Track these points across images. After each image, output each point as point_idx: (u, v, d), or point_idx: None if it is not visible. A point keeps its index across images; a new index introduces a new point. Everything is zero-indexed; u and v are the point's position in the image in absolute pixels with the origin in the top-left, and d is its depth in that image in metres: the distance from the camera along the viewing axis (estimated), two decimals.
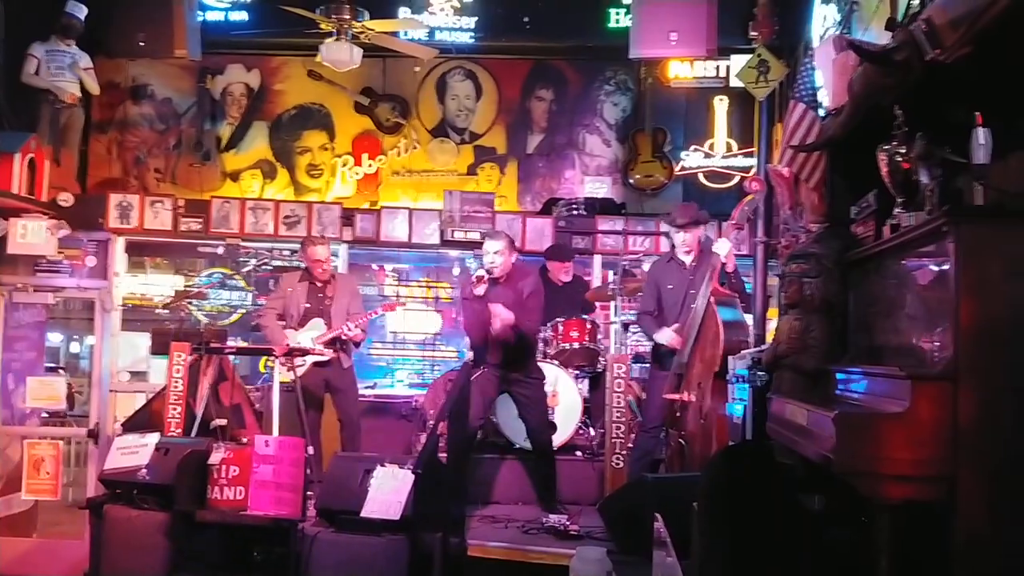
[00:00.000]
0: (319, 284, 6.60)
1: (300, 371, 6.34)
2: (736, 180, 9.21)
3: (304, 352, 6.29)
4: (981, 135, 2.63)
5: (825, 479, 3.27)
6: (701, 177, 9.32)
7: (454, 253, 8.91)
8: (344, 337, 6.41)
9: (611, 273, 8.18)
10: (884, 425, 2.57)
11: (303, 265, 6.84)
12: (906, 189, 3.26)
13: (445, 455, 5.26)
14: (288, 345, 6.20)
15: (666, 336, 5.91)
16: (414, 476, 4.67)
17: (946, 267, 2.76)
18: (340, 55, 7.18)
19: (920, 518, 2.64)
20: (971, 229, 2.58)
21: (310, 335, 6.41)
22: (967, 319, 2.56)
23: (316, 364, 6.40)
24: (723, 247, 5.80)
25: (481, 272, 5.79)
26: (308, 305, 6.53)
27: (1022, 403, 2.59)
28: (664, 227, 7.16)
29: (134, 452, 5.61)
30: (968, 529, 2.58)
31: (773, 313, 7.73)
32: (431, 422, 7.32)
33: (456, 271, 9.30)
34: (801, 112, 4.00)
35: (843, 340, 3.98)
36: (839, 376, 3.56)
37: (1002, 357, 2.59)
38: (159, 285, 9.20)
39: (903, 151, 3.25)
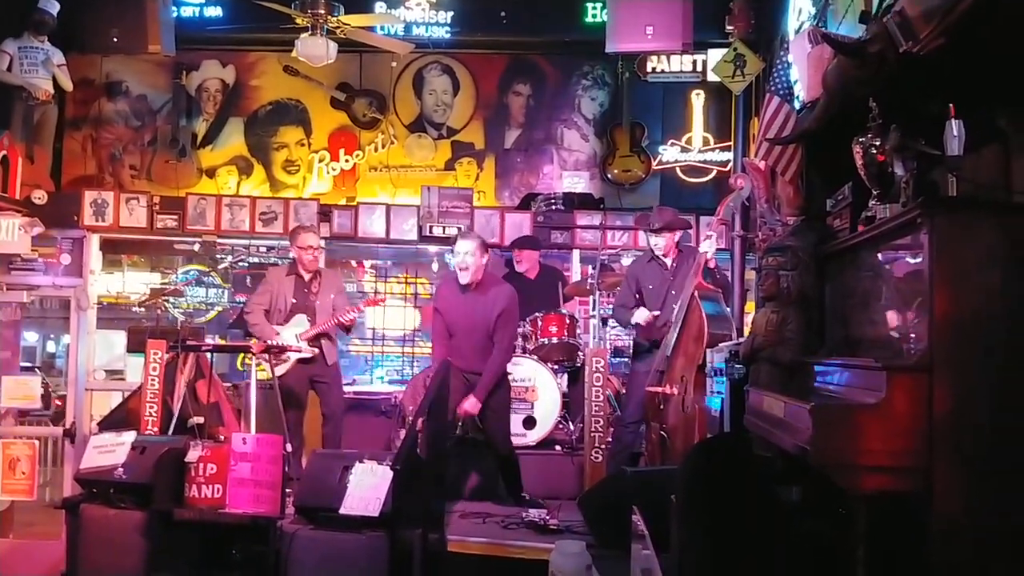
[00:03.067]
0: (305, 279, 6.56)
1: (284, 368, 6.32)
2: (713, 174, 9.24)
3: (282, 349, 6.26)
4: (954, 127, 2.65)
5: (802, 471, 3.29)
6: (679, 171, 9.35)
7: (433, 249, 8.89)
8: (339, 326, 6.39)
9: (590, 268, 8.20)
10: (860, 416, 2.58)
11: (292, 256, 6.78)
12: (881, 181, 3.28)
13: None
14: (266, 343, 6.17)
15: (641, 315, 5.92)
16: (393, 472, 4.65)
17: (920, 259, 2.78)
18: (316, 50, 7.14)
19: (896, 508, 2.65)
20: (945, 220, 2.59)
21: (294, 331, 6.38)
22: (941, 310, 2.58)
23: (300, 361, 6.37)
24: (708, 245, 5.82)
25: None
26: (295, 300, 6.51)
27: (995, 393, 2.61)
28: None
29: (110, 451, 5.56)
30: (943, 519, 2.59)
31: (751, 307, 7.78)
32: (411, 418, 7.32)
33: (435, 267, 9.28)
34: (777, 105, 4.01)
35: (820, 332, 4.00)
36: (816, 368, 3.58)
37: (976, 348, 2.61)
38: (134, 283, 9.15)
39: (878, 143, 3.26)
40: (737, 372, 4.47)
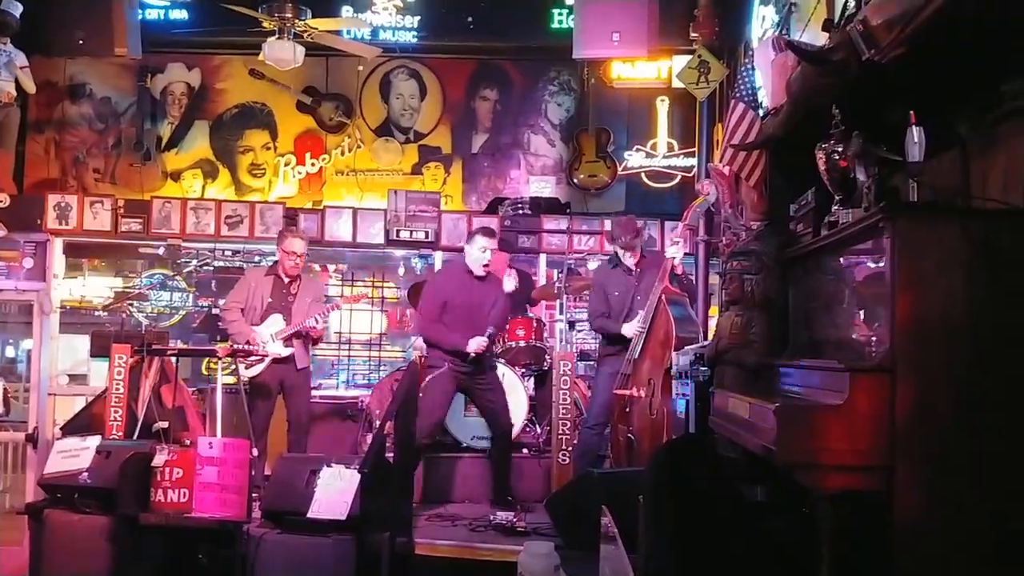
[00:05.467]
0: (285, 280, 6.54)
1: (257, 369, 6.29)
2: (678, 180, 9.32)
3: (248, 353, 6.23)
4: (915, 134, 2.71)
5: (767, 470, 3.35)
6: (644, 177, 9.41)
7: (398, 253, 8.89)
8: (305, 330, 6.37)
9: (556, 272, 8.25)
10: (823, 417, 2.63)
11: (274, 258, 6.75)
12: (843, 187, 3.33)
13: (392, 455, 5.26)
14: (232, 347, 6.14)
15: (632, 328, 5.95)
16: (360, 476, 4.66)
17: (882, 262, 2.84)
18: (283, 54, 7.12)
19: (859, 507, 2.71)
20: (906, 225, 2.65)
21: (269, 331, 6.35)
22: (903, 312, 2.63)
23: (273, 362, 6.34)
24: (675, 251, 5.89)
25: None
26: (271, 300, 6.47)
27: (956, 394, 2.67)
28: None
29: (75, 455, 5.52)
30: (906, 518, 2.65)
31: (715, 311, 7.87)
32: (378, 422, 7.32)
33: (402, 271, 9.25)
34: (742, 111, 4.07)
35: (784, 335, 4.07)
36: (781, 370, 3.63)
37: (937, 349, 2.66)
38: (97, 288, 9.06)
39: (840, 150, 3.32)
40: (702, 375, 4.53)
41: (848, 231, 3.02)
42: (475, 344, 5.93)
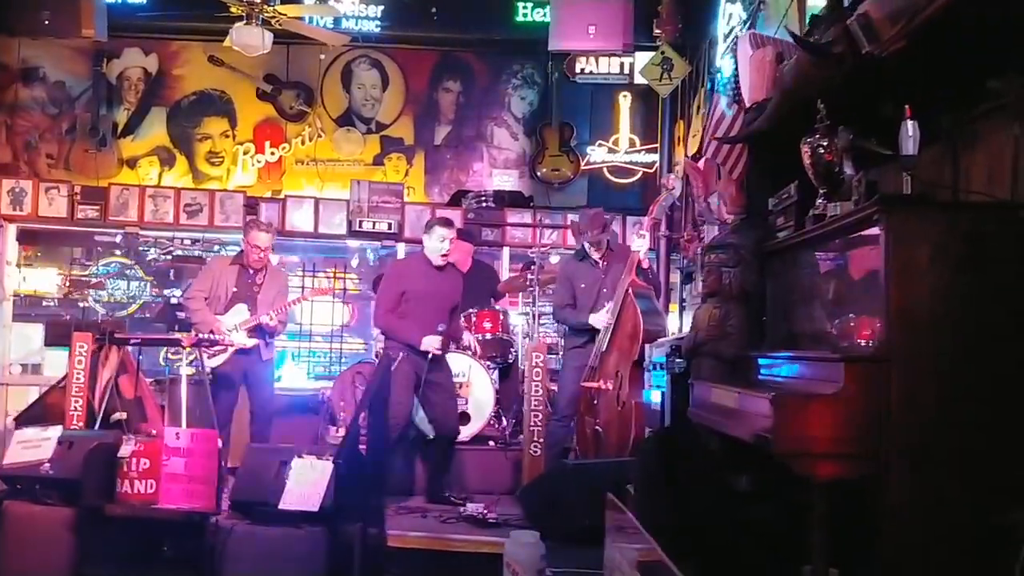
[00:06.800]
0: (251, 271, 6.45)
1: (221, 359, 6.20)
2: (639, 175, 9.37)
3: (213, 343, 6.14)
4: (910, 127, 2.75)
5: (748, 460, 3.40)
6: (606, 172, 9.46)
7: (354, 244, 8.83)
8: (264, 326, 6.29)
9: (523, 264, 8.27)
10: (819, 406, 2.67)
11: (239, 248, 6.66)
12: (828, 180, 3.38)
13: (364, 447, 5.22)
14: (197, 336, 6.06)
15: (600, 319, 5.96)
16: (334, 467, 4.62)
17: (872, 255, 2.89)
18: (251, 39, 7.01)
19: (850, 495, 2.75)
20: (901, 217, 2.70)
21: (234, 320, 6.26)
22: (897, 303, 2.68)
23: (237, 352, 6.25)
24: (640, 244, 5.91)
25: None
26: (236, 290, 6.37)
27: (940, 386, 2.72)
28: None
29: (36, 446, 5.38)
30: (891, 507, 2.70)
31: (674, 307, 7.95)
32: (342, 414, 7.27)
33: (355, 262, 9.13)
34: (724, 105, 4.10)
35: (760, 328, 4.12)
36: (762, 361, 3.68)
37: (924, 341, 2.72)
38: (47, 277, 8.86)
39: (825, 144, 3.37)
40: (677, 366, 4.57)
41: (838, 224, 3.06)
42: (428, 343, 5.79)
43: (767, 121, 3.57)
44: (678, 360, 4.50)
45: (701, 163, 4.81)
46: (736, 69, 4.12)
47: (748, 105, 4.11)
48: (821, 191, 3.43)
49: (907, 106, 2.71)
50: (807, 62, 3.08)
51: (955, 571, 2.69)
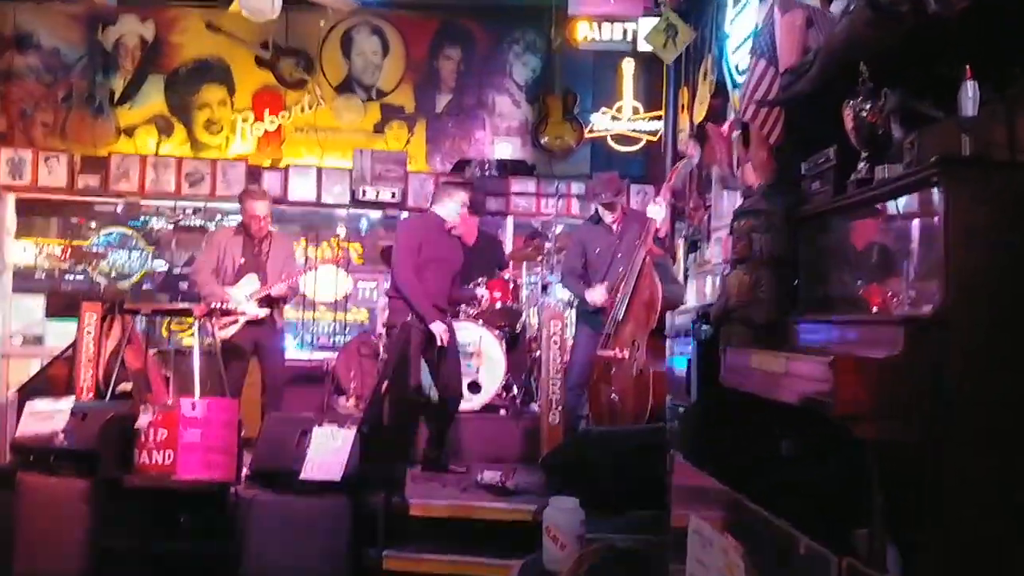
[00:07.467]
0: (256, 240, 6.37)
1: (232, 330, 6.14)
2: (643, 143, 9.30)
3: (225, 312, 6.08)
4: (970, 88, 2.71)
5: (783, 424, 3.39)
6: (609, 140, 9.36)
7: (342, 212, 8.71)
8: (274, 295, 6.23)
9: (526, 235, 8.24)
10: (878, 369, 2.64)
11: (241, 219, 6.56)
12: (872, 143, 3.34)
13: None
14: (209, 305, 5.99)
15: (598, 295, 5.94)
16: (359, 435, 4.59)
17: (926, 218, 2.86)
18: (260, 4, 6.89)
19: (907, 459, 2.73)
20: (961, 179, 2.66)
21: (244, 291, 6.19)
22: (956, 266, 2.65)
23: (249, 322, 6.19)
24: (658, 212, 5.87)
25: None
26: (243, 260, 6.30)
27: (1003, 347, 2.69)
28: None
29: (48, 417, 5.36)
30: (955, 469, 2.67)
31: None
32: (353, 384, 7.24)
33: (342, 232, 8.91)
34: (763, 67, 4.05)
35: (790, 293, 4.09)
36: (800, 326, 3.66)
37: (984, 304, 2.69)
38: (49, 249, 8.76)
39: (869, 106, 3.33)
40: (704, 333, 4.53)
41: (888, 187, 3.02)
42: (437, 328, 5.72)
43: (810, 83, 3.53)
44: (705, 327, 4.47)
45: (724, 128, 4.78)
46: (771, 27, 4.05)
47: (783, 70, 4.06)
48: (863, 154, 3.39)
49: (967, 66, 2.67)
50: (862, 23, 3.03)
51: (1012, 540, 2.67)
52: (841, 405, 2.59)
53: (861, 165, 3.38)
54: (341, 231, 8.83)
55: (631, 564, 1.64)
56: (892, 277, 3.30)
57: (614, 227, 6.21)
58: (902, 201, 3.13)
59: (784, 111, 3.90)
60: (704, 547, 2.04)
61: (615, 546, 1.67)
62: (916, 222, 2.98)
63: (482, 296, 6.79)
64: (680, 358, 4.92)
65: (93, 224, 8.68)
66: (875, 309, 3.31)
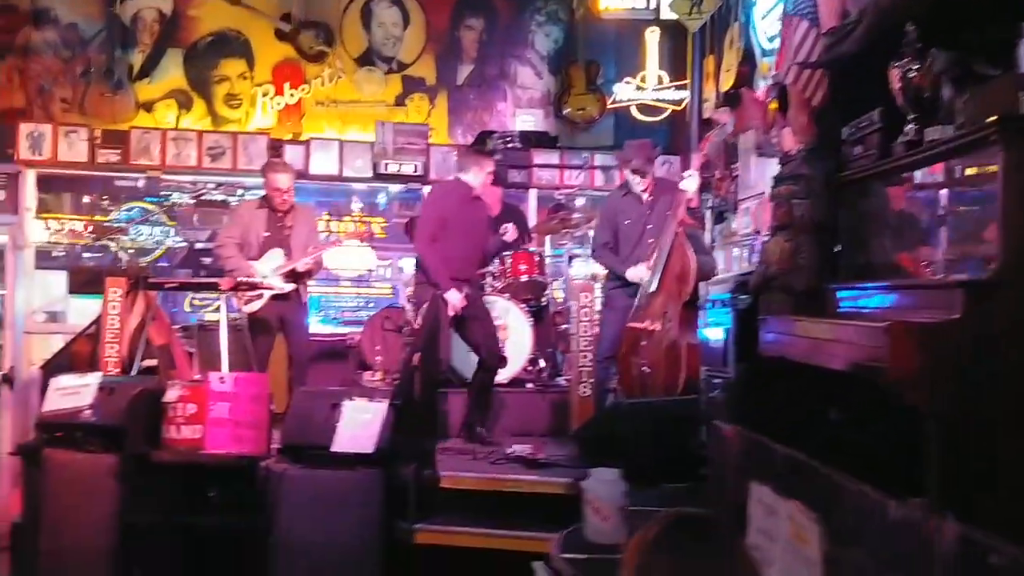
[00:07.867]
0: (279, 213, 6.30)
1: (258, 305, 6.08)
2: (668, 113, 9.17)
3: (251, 286, 6.02)
4: None
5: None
6: (633, 110, 9.23)
7: (356, 186, 8.66)
8: (300, 270, 6.17)
9: (549, 208, 8.14)
10: (935, 333, 2.55)
11: (262, 192, 6.51)
12: (919, 105, 3.25)
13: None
14: (236, 280, 5.94)
15: (640, 272, 5.82)
16: (391, 408, 4.54)
17: (980, 180, 2.76)
18: None
19: (965, 426, 2.64)
20: (1021, 138, 2.56)
21: (269, 266, 6.13)
22: (1016, 228, 2.55)
23: (274, 298, 6.14)
24: (691, 183, 5.76)
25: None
26: (268, 234, 6.24)
27: None
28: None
29: (75, 393, 5.31)
30: (1011, 436, 2.59)
31: None
32: (379, 358, 7.19)
33: (357, 206, 8.80)
34: (805, 29, 3.94)
35: (831, 260, 4.00)
36: (841, 293, 3.57)
37: None
38: (70, 225, 8.70)
39: (916, 67, 3.23)
40: (742, 303, 4.46)
41: (941, 148, 2.92)
42: (451, 297, 5.68)
43: (856, 44, 3.42)
44: (742, 296, 4.39)
45: (760, 94, 4.67)
46: None
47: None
48: (911, 117, 3.29)
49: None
50: None
51: None
52: (895, 371, 2.50)
53: (909, 127, 3.28)
54: (355, 205, 8.73)
55: (697, 531, 1.56)
56: (938, 242, 3.21)
57: (644, 196, 6.09)
58: (954, 163, 3.04)
59: (827, 73, 3.79)
60: (768, 515, 1.96)
61: (683, 512, 1.59)
62: (967, 185, 2.89)
63: (512, 240, 6.74)
64: (715, 328, 4.85)
65: (113, 200, 8.58)
66: (919, 275, 3.23)
